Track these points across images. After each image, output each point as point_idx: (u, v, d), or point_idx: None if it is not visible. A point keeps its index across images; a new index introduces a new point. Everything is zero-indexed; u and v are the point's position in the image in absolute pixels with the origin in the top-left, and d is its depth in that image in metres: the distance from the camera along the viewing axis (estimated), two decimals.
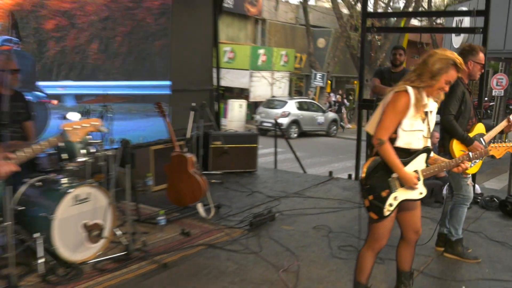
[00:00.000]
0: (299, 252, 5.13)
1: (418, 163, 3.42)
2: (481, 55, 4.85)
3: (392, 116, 3.30)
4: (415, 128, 3.35)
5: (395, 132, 3.32)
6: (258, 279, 4.50)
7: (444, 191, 7.54)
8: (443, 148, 4.81)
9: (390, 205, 3.35)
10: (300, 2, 29.49)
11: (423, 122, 3.39)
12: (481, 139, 4.56)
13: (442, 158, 3.65)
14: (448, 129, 4.72)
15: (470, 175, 4.97)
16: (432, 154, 3.55)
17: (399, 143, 3.33)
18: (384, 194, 3.33)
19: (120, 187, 5.58)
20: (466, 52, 4.87)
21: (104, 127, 2.54)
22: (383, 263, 4.93)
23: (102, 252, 4.73)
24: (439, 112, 4.78)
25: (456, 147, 4.50)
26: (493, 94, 13.65)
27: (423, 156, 3.44)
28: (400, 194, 3.39)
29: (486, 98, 17.87)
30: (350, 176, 9.28)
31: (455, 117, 4.68)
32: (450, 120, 4.67)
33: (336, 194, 7.60)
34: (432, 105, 3.47)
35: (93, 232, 4.63)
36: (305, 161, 10.20)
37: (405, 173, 3.31)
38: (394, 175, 3.34)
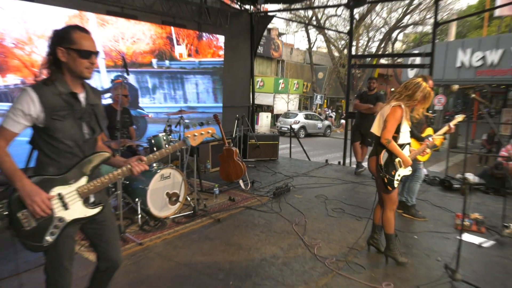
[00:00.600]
0: (306, 212, 5.10)
1: (407, 151, 3.59)
2: (431, 82, 4.75)
3: (393, 122, 3.41)
4: (407, 130, 3.52)
5: (396, 132, 3.45)
6: (279, 229, 4.49)
7: None
8: None
9: (397, 180, 3.51)
10: (307, 48, 29.34)
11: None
12: (430, 138, 4.51)
13: (412, 148, 3.77)
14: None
15: (422, 162, 4.91)
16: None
17: (400, 141, 3.48)
18: (393, 173, 3.47)
19: (190, 169, 5.63)
20: None
21: (215, 134, 2.42)
22: (361, 219, 4.87)
23: (178, 211, 4.78)
24: None
25: (413, 143, 4.44)
26: (435, 108, 13.40)
27: (408, 146, 3.60)
28: (401, 172, 3.54)
29: (430, 111, 17.56)
30: (339, 162, 9.17)
31: (412, 124, 4.65)
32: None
33: (330, 174, 7.53)
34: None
35: (172, 198, 4.69)
36: (309, 152, 10.13)
37: (406, 158, 3.49)
38: (397, 160, 3.48)
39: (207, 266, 3.50)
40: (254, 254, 3.81)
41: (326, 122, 24.32)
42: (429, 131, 4.80)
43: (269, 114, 23.25)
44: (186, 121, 5.37)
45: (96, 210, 2.06)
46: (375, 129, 3.58)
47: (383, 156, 3.46)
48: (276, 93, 27.22)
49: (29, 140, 1.99)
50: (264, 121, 21.80)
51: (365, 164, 7.80)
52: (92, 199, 2.09)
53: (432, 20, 20.54)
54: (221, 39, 8.26)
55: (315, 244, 4.05)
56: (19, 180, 1.82)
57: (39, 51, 5.11)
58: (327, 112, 29.34)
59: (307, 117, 22.82)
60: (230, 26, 8.39)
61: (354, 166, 7.99)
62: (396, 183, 3.49)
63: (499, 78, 13.13)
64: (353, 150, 7.73)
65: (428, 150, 3.88)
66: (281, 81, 27.83)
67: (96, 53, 1.97)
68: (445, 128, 4.65)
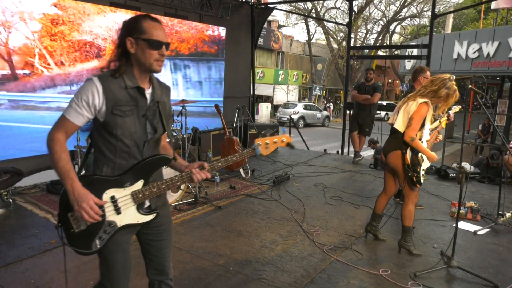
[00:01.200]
0: (304, 200, 5.08)
1: (424, 145, 3.46)
2: (428, 73, 4.71)
3: (418, 120, 3.30)
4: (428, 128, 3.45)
5: (420, 130, 3.34)
6: (279, 217, 4.47)
7: None
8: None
9: (422, 175, 3.42)
10: (306, 40, 29.16)
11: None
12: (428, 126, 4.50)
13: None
14: None
15: None
16: None
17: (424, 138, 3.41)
18: (419, 169, 3.36)
19: (192, 158, 5.60)
20: (418, 71, 4.73)
21: (291, 141, 2.09)
22: (359, 207, 4.86)
23: (179, 199, 4.76)
24: None
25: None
26: None
27: (425, 140, 3.47)
28: (424, 166, 3.43)
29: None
30: (338, 152, 9.13)
31: None
32: None
33: (329, 163, 7.49)
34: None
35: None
36: (308, 142, 10.09)
37: (431, 154, 3.36)
38: (420, 155, 3.34)
39: (208, 252, 3.49)
40: (254, 240, 3.79)
41: (325, 113, 24.26)
42: (433, 124, 4.79)
43: (269, 105, 23.19)
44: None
45: (149, 218, 1.82)
46: (399, 125, 3.39)
47: (409, 155, 3.33)
48: (276, 84, 27.08)
49: (88, 134, 1.88)
50: (264, 112, 21.75)
51: (362, 153, 7.78)
52: (147, 204, 1.87)
53: (429, 13, 20.35)
54: (222, 32, 8.17)
55: (314, 231, 4.03)
56: (70, 183, 1.62)
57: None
58: (325, 103, 29.27)
59: (306, 107, 22.77)
60: (231, 18, 8.31)
61: (352, 155, 7.96)
62: (422, 179, 3.39)
63: (495, 69, 13.02)
64: (351, 139, 7.69)
65: (440, 137, 3.77)
66: (281, 72, 27.67)
67: (167, 44, 1.75)
68: (444, 118, 4.65)
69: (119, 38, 1.75)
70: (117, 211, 1.74)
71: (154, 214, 1.84)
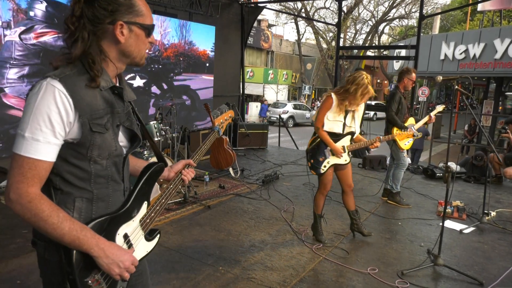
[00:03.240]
0: (294, 200, 5.10)
1: (345, 141, 3.60)
2: (413, 75, 4.80)
3: (323, 112, 3.52)
4: (336, 119, 3.53)
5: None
6: (268, 216, 4.48)
7: (387, 161, 7.45)
8: (387, 132, 4.77)
9: (324, 166, 3.59)
10: (296, 40, 29.23)
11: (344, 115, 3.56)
12: (412, 127, 4.57)
13: (364, 139, 3.74)
14: (391, 121, 4.73)
15: (405, 150, 4.94)
16: (355, 135, 3.66)
17: (325, 128, 3.54)
18: (321, 159, 3.58)
19: (181, 157, 5.58)
20: (404, 72, 4.83)
21: (233, 115, 1.97)
22: (331, 202, 4.90)
23: None
24: (386, 110, 4.81)
25: (395, 131, 4.45)
26: (419, 100, 13.49)
27: (348, 137, 3.61)
28: (331, 160, 3.59)
29: (414, 102, 17.67)
30: None
31: (395, 114, 4.70)
32: (392, 116, 4.71)
33: None
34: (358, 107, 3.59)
35: (163, 184, 4.62)
36: (298, 141, 10.12)
37: (334, 146, 3.52)
38: (328, 148, 3.55)
39: (197, 252, 3.48)
40: (243, 239, 3.79)
41: (314, 112, 24.35)
42: (411, 120, 4.88)
43: (259, 104, 23.17)
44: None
45: (155, 241, 1.47)
46: (314, 117, 3.71)
47: (312, 141, 3.59)
48: (266, 83, 27.11)
49: None
50: (253, 111, 21.72)
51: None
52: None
53: (417, 14, 20.56)
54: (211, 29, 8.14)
55: (303, 230, 4.05)
56: (95, 245, 1.16)
57: None
58: (315, 103, 29.39)
59: (295, 107, 22.81)
60: (220, 16, 8.29)
61: None
62: (321, 169, 3.58)
63: (481, 70, 13.22)
64: None
65: (377, 144, 3.77)
66: (270, 71, 27.69)
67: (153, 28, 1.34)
68: (426, 118, 4.75)
69: (94, 19, 1.19)
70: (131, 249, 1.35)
71: (158, 234, 1.50)
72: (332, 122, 3.51)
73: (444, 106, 4.90)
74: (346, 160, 3.62)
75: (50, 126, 1.10)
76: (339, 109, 3.47)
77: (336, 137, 3.54)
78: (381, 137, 3.77)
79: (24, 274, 2.92)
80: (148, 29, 1.29)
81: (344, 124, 3.56)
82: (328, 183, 3.68)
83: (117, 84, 1.34)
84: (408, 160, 7.55)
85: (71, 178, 1.22)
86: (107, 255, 1.17)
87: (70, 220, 1.13)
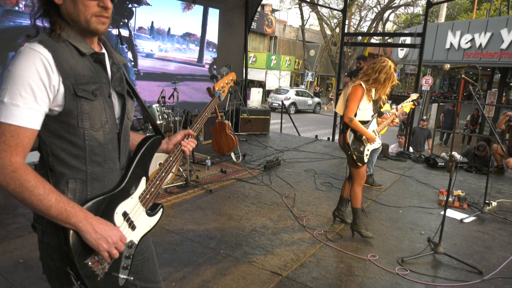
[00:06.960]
0: (295, 186, 5.10)
1: (374, 125, 3.59)
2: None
3: (354, 102, 3.41)
4: (366, 108, 3.49)
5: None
6: (269, 201, 4.49)
7: (390, 150, 7.45)
8: None
9: (366, 155, 3.53)
10: (300, 26, 28.92)
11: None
12: (388, 113, 4.42)
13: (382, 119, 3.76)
14: None
15: (379, 135, 4.91)
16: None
17: (358, 118, 3.46)
18: (362, 149, 3.50)
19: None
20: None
21: (235, 77, 1.96)
22: (332, 189, 4.89)
23: (170, 182, 4.74)
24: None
25: (403, 104, 4.35)
26: (422, 89, 13.39)
27: (374, 120, 3.60)
28: (370, 147, 3.56)
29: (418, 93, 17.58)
30: (328, 138, 9.16)
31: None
32: None
33: (320, 149, 7.52)
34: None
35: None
36: (300, 128, 10.10)
37: (369, 134, 3.49)
38: (364, 137, 3.49)
39: (198, 235, 3.49)
40: (245, 224, 3.81)
41: (316, 99, 24.25)
42: (386, 107, 4.88)
43: (261, 90, 23.07)
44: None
45: (159, 215, 1.44)
46: (339, 109, 3.60)
47: (349, 134, 3.45)
48: (268, 69, 26.91)
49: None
50: (256, 96, 21.62)
51: None
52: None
53: (423, 1, 20.28)
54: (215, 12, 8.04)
55: (304, 216, 4.06)
56: (83, 218, 1.11)
57: None
58: (317, 90, 29.26)
59: (298, 93, 22.70)
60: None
61: None
62: (365, 159, 3.52)
63: (486, 60, 13.09)
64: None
65: (397, 120, 3.79)
66: (273, 57, 27.46)
67: None
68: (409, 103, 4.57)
69: None
70: (132, 227, 1.32)
71: (161, 208, 1.46)
72: (363, 111, 3.46)
73: (417, 95, 4.57)
74: (379, 143, 3.65)
75: (30, 91, 1.04)
76: (368, 98, 3.44)
77: (365, 124, 3.49)
78: (395, 112, 3.75)
79: (26, 252, 2.94)
80: None
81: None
82: (365, 173, 3.64)
83: (98, 49, 1.28)
84: (411, 149, 7.61)
85: (65, 157, 1.16)
86: (95, 229, 1.13)
87: (56, 192, 1.09)
